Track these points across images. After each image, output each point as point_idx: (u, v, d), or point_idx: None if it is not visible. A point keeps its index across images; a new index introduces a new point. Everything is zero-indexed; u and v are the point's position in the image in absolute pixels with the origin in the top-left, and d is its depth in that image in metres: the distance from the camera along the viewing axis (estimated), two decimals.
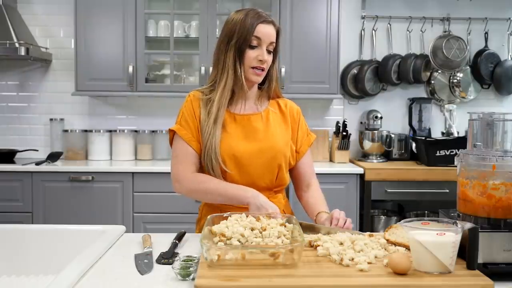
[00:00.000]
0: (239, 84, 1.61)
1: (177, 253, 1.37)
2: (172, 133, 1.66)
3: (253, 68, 1.60)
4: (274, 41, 1.62)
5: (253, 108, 1.69)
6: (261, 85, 1.72)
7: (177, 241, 1.44)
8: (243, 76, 1.60)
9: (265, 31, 1.60)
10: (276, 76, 1.71)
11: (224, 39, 1.63)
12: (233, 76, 1.61)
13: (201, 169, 1.66)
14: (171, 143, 1.68)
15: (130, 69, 3.42)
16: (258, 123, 1.66)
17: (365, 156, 3.74)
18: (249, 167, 1.61)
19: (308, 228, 1.52)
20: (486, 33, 3.83)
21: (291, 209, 1.80)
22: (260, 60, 1.59)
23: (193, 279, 1.17)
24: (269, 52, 1.62)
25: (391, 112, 3.87)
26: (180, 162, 1.63)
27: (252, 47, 1.59)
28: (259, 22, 1.59)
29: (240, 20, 1.60)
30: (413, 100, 3.79)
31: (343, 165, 3.53)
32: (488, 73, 3.80)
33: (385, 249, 1.33)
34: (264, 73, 1.63)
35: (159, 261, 1.31)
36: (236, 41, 1.59)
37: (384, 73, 3.74)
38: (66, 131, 3.68)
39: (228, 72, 1.61)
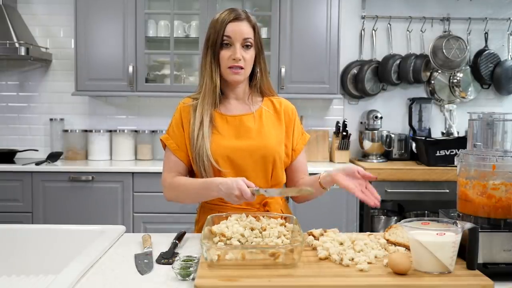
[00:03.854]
0: (214, 86, 1.61)
1: (177, 253, 1.37)
2: (163, 142, 1.69)
3: (230, 68, 1.60)
4: (249, 36, 1.61)
5: (245, 108, 1.69)
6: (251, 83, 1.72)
7: (177, 241, 1.44)
8: (217, 78, 1.61)
9: (235, 29, 1.59)
10: (264, 71, 1.70)
11: (204, 43, 1.66)
12: (210, 79, 1.62)
13: (194, 175, 1.68)
14: (164, 150, 1.72)
15: (130, 69, 3.42)
16: (251, 122, 1.66)
17: (365, 156, 3.74)
18: (243, 166, 1.61)
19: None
20: (486, 33, 3.84)
21: (289, 209, 1.79)
22: (234, 59, 1.59)
23: (193, 279, 1.17)
24: (247, 47, 1.61)
25: (391, 112, 3.87)
26: (165, 170, 1.67)
27: (225, 47, 1.60)
28: (228, 21, 1.60)
29: (213, 21, 1.63)
30: (413, 100, 3.79)
31: (343, 165, 3.53)
32: (488, 73, 3.80)
33: (385, 249, 1.33)
34: (243, 71, 1.61)
35: (159, 261, 1.31)
36: (211, 43, 1.61)
37: (384, 73, 3.74)
38: (66, 131, 3.68)
39: (206, 75, 1.63)
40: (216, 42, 1.60)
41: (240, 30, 1.59)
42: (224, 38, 1.59)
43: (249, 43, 1.61)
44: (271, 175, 1.66)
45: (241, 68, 1.60)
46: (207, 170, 1.59)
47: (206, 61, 1.63)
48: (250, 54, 1.62)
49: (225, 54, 1.60)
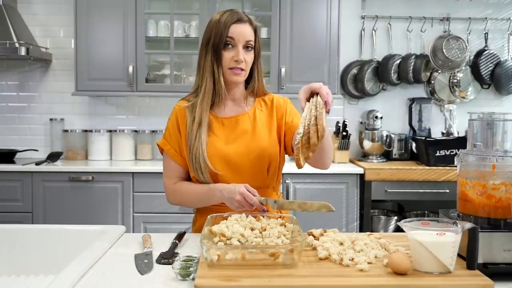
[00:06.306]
0: (218, 87, 1.61)
1: (177, 253, 1.37)
2: (160, 147, 1.70)
3: (231, 69, 1.60)
4: (251, 39, 1.61)
5: (239, 109, 1.69)
6: (247, 85, 1.71)
7: (177, 241, 1.44)
8: (221, 79, 1.61)
9: (239, 31, 1.59)
10: (259, 74, 1.70)
11: (203, 42, 1.64)
12: (212, 79, 1.61)
13: (190, 178, 1.68)
14: (161, 154, 1.72)
15: (130, 69, 3.42)
16: (246, 123, 1.66)
17: (365, 156, 3.74)
18: (239, 167, 1.61)
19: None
20: (486, 33, 3.84)
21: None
22: (236, 61, 1.58)
23: (193, 279, 1.17)
24: (248, 49, 1.60)
25: (391, 112, 3.87)
26: (166, 176, 1.69)
27: (228, 48, 1.59)
28: (232, 22, 1.59)
29: (215, 22, 1.61)
30: (413, 100, 3.79)
31: (343, 165, 3.53)
32: (488, 73, 3.80)
33: (385, 249, 1.33)
34: (244, 73, 1.61)
35: (159, 261, 1.31)
36: (212, 43, 1.60)
37: (384, 73, 3.74)
38: (66, 131, 3.68)
39: (207, 75, 1.61)
40: (218, 43, 1.59)
41: (244, 32, 1.59)
42: (227, 39, 1.58)
43: (250, 46, 1.61)
44: (267, 175, 1.65)
45: (242, 69, 1.60)
46: (204, 173, 1.59)
47: (206, 61, 1.62)
48: (250, 57, 1.62)
49: (227, 55, 1.59)
